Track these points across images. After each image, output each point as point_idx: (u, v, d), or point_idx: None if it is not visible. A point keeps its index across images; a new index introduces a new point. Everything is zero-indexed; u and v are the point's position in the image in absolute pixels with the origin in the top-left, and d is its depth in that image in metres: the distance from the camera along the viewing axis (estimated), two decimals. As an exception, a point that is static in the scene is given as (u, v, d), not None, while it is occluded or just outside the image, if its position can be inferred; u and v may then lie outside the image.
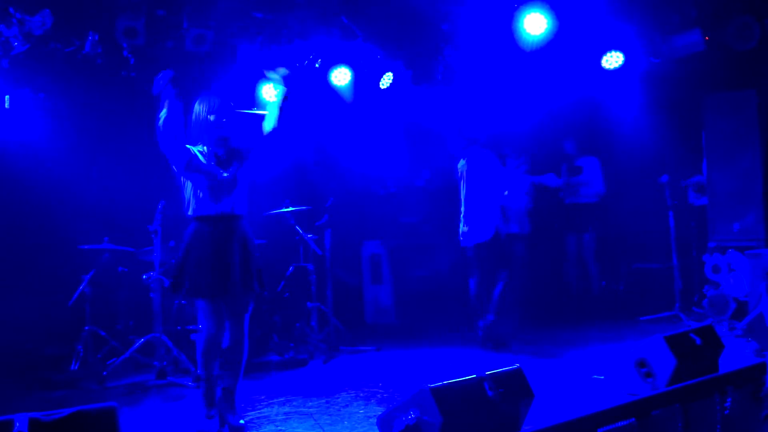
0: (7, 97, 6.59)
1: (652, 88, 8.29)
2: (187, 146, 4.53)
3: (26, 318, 6.33)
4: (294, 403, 5.09)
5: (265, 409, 4.99)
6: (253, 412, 4.91)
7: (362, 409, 4.86)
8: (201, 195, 4.51)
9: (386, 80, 8.16)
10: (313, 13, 7.01)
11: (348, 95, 8.26)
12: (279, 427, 4.59)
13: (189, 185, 4.56)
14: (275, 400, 5.22)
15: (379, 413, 3.58)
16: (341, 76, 7.83)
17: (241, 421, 4.57)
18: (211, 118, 4.54)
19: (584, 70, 8.30)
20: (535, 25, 7.18)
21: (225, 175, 4.53)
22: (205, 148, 4.57)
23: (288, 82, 4.85)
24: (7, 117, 6.63)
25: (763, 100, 7.35)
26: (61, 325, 6.74)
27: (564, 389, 5.12)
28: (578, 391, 5.06)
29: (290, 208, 6.92)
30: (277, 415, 4.85)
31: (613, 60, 8.05)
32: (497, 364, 3.76)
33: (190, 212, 4.56)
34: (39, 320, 6.44)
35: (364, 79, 8.14)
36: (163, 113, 4.40)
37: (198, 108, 4.59)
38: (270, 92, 7.52)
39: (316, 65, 7.45)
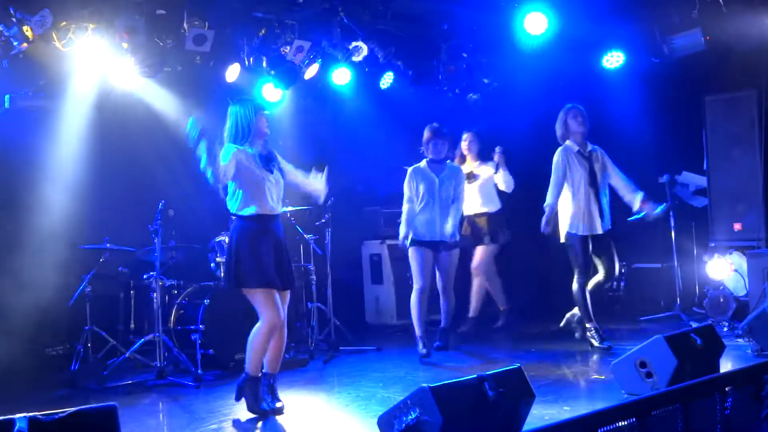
0: (7, 96, 6.58)
1: (652, 88, 8.28)
2: (233, 148, 4.72)
3: (26, 318, 6.32)
4: (294, 403, 5.07)
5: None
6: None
7: (362, 409, 4.86)
8: (249, 195, 4.74)
9: (386, 80, 8.16)
10: (313, 13, 7.01)
11: (348, 95, 8.25)
12: (279, 427, 4.60)
13: (235, 186, 4.76)
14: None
15: (379, 413, 3.58)
16: (341, 76, 7.83)
17: (279, 404, 4.81)
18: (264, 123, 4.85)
19: (585, 69, 8.30)
20: (535, 24, 7.18)
21: (271, 174, 4.82)
22: (250, 149, 4.81)
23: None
24: (7, 117, 6.62)
25: (763, 100, 7.34)
26: (61, 325, 6.74)
27: (564, 389, 5.11)
28: (578, 391, 5.05)
29: (290, 208, 6.92)
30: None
31: (613, 60, 8.05)
32: (497, 364, 3.76)
33: (241, 212, 4.76)
34: (39, 320, 6.44)
35: (364, 79, 8.13)
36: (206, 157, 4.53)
37: (240, 111, 4.78)
38: (271, 92, 7.53)
39: (316, 65, 7.44)
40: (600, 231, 6.46)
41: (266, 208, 4.77)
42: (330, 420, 4.71)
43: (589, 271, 6.49)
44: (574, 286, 6.46)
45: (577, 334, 6.75)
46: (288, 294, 4.93)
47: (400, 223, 6.67)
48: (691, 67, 7.72)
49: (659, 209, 6.58)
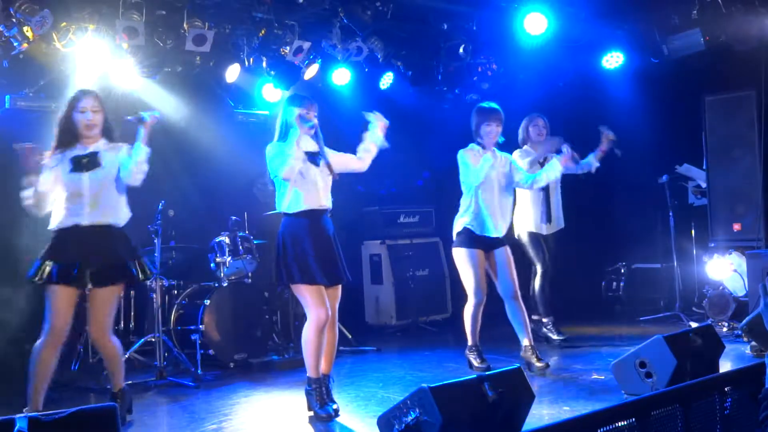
0: (7, 97, 6.58)
1: (651, 88, 8.28)
2: (288, 147, 4.67)
3: (26, 318, 6.32)
4: (294, 404, 5.08)
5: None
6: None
7: (362, 409, 4.87)
8: (296, 191, 4.67)
9: (386, 80, 8.16)
10: (313, 13, 7.01)
11: (348, 95, 8.25)
12: (279, 428, 4.60)
13: (287, 184, 4.69)
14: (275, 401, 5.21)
15: (379, 413, 3.58)
16: (341, 77, 7.83)
17: (335, 406, 4.68)
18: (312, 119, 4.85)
19: (585, 69, 8.30)
20: (535, 24, 7.18)
21: (317, 168, 4.77)
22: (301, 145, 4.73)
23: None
24: (7, 117, 6.62)
25: (763, 100, 7.34)
26: (61, 325, 6.72)
27: (564, 389, 5.12)
28: (578, 391, 5.06)
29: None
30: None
31: (613, 60, 8.05)
32: (497, 364, 3.76)
33: (288, 209, 4.70)
34: (39, 320, 6.43)
35: (364, 79, 8.13)
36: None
37: (284, 108, 4.77)
38: (271, 92, 7.53)
39: (316, 65, 7.44)
40: (546, 232, 6.91)
41: (313, 203, 4.70)
42: (330, 420, 4.71)
43: (546, 268, 6.91)
44: (537, 282, 6.88)
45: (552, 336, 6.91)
46: (337, 290, 4.78)
47: (400, 223, 6.77)
48: (691, 67, 7.73)
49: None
